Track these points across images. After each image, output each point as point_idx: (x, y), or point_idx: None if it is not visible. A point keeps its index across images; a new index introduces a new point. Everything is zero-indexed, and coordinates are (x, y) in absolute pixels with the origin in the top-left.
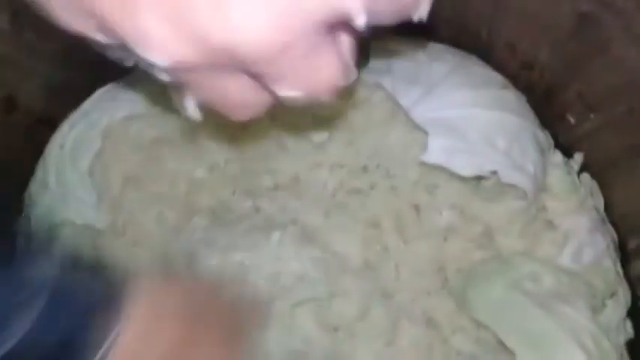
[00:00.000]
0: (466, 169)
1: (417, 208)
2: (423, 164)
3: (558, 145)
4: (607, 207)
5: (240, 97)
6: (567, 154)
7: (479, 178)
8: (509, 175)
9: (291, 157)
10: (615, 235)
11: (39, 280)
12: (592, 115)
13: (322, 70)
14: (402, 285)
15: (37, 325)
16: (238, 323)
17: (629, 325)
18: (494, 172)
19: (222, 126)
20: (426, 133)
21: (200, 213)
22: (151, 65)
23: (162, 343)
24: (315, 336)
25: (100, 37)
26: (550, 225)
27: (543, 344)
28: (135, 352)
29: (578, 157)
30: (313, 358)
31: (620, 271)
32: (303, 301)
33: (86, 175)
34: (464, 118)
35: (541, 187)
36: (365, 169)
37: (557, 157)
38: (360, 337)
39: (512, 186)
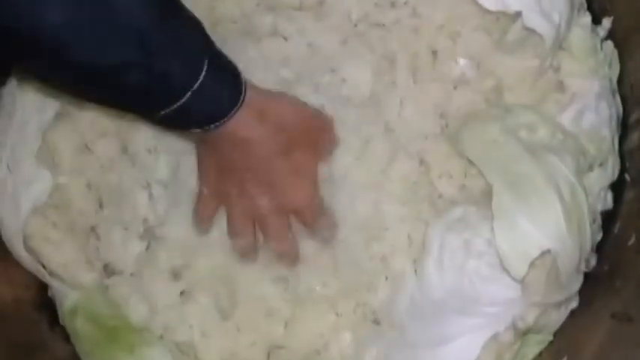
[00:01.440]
0: (491, 2)
1: (434, 53)
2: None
3: (590, 9)
4: (620, 78)
5: None
6: (597, 20)
7: (503, 33)
8: (533, 19)
9: None
10: (621, 110)
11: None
12: None
13: None
14: (402, 122)
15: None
16: (321, 138)
17: (609, 196)
18: (519, 14)
19: None
20: None
21: (222, 22)
22: None
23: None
24: None
25: None
26: (560, 86)
27: (522, 184)
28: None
29: (606, 23)
30: None
31: (616, 144)
32: None
33: None
34: None
35: (561, 43)
36: (393, 4)
37: (586, 18)
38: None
39: (534, 41)
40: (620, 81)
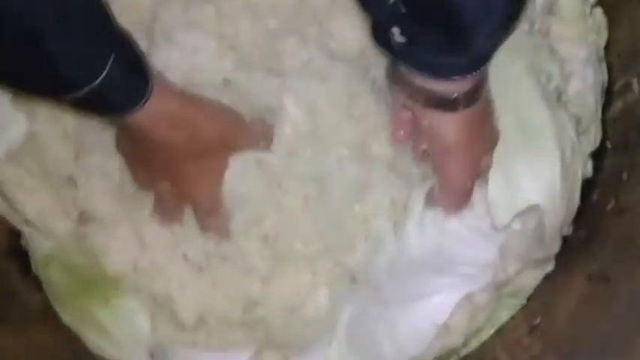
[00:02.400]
0: None
1: None
2: None
3: None
4: (607, 46)
5: None
6: None
7: None
8: None
9: None
10: (606, 78)
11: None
12: None
13: None
14: None
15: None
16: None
17: (590, 164)
18: None
19: None
20: None
21: None
22: None
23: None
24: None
25: None
26: (551, 51)
27: (531, 132)
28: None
29: None
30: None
31: (600, 111)
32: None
33: None
34: None
35: (551, 7)
36: None
37: None
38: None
39: None
40: (607, 49)
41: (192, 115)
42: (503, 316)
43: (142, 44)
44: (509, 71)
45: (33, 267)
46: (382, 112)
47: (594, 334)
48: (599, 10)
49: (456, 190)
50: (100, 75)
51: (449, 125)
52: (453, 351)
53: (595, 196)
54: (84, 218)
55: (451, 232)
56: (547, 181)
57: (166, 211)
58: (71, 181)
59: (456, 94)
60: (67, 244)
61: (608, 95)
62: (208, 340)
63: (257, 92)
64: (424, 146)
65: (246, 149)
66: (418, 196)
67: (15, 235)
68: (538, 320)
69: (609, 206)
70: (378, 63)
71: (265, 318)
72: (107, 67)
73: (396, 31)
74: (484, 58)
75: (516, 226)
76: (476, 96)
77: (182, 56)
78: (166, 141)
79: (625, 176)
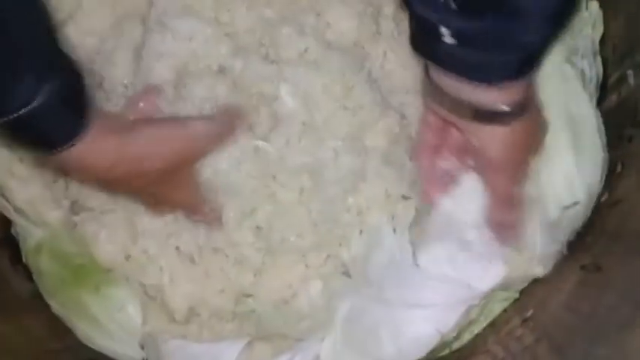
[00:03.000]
0: None
1: None
2: None
3: None
4: (602, 40)
5: None
6: None
7: None
8: None
9: None
10: (601, 72)
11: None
12: None
13: None
14: (385, 74)
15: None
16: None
17: None
18: None
19: None
20: None
21: None
22: None
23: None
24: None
25: None
26: (592, 42)
27: (579, 127)
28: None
29: None
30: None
31: (595, 105)
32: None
33: None
34: None
35: None
36: None
37: None
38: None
39: None
40: (602, 42)
41: (131, 150)
42: (497, 308)
43: (137, 32)
44: (551, 59)
45: (23, 256)
46: (377, 103)
47: (587, 324)
48: (595, 4)
49: (509, 206)
50: (28, 104)
51: (498, 140)
52: (445, 344)
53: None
54: (75, 207)
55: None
56: (592, 178)
57: (159, 212)
58: None
59: (505, 106)
60: (58, 233)
61: (603, 90)
62: (200, 333)
63: (253, 80)
64: (471, 162)
65: (211, 151)
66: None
67: (5, 223)
68: (531, 312)
69: (603, 198)
70: (373, 53)
71: (257, 310)
72: (38, 96)
73: (445, 32)
74: (535, 57)
75: (562, 221)
76: (526, 106)
77: (177, 43)
78: (110, 178)
79: (619, 168)
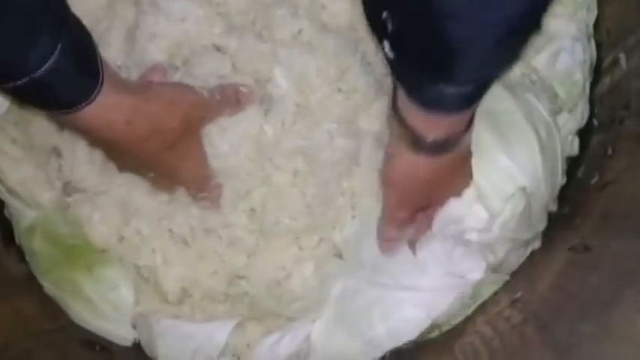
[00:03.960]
0: None
1: None
2: None
3: None
4: (596, 24)
5: None
6: None
7: None
8: None
9: None
10: (595, 55)
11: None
12: None
13: None
14: (378, 58)
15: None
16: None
17: (576, 142)
18: None
19: None
20: None
21: None
22: None
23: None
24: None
25: None
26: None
27: (502, 122)
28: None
29: None
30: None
31: (587, 89)
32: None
33: None
34: None
35: None
36: None
37: None
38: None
39: None
40: (595, 26)
41: (147, 107)
42: (487, 291)
43: (130, 13)
44: None
45: (16, 237)
46: (371, 86)
47: (573, 303)
48: None
49: (393, 228)
50: (43, 64)
51: (417, 167)
52: (435, 326)
53: (580, 173)
54: (68, 189)
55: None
56: (529, 162)
57: (162, 190)
58: (56, 151)
59: (433, 138)
60: (50, 214)
61: (596, 74)
62: (192, 313)
63: (249, 58)
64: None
65: (214, 120)
66: None
67: None
68: (520, 294)
69: (593, 181)
70: (367, 37)
71: (250, 292)
72: (53, 56)
73: (386, 44)
74: (472, 95)
75: (507, 210)
76: (452, 143)
77: (170, 24)
78: (126, 138)
79: (610, 151)
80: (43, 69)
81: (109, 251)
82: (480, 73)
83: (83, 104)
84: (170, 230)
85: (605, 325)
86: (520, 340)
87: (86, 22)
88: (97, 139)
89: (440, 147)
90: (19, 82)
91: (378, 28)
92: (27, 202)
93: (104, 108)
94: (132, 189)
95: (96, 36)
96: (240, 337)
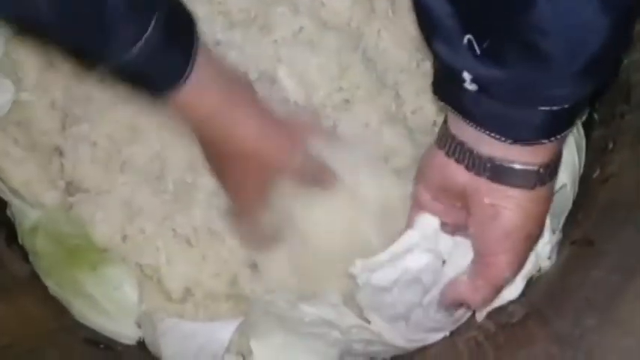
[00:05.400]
0: None
1: None
2: None
3: None
4: None
5: None
6: None
7: None
8: None
9: None
10: None
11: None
12: None
13: None
14: (380, 53)
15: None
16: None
17: (582, 134)
18: None
19: None
20: None
21: None
22: None
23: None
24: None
25: None
26: None
27: None
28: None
29: None
30: None
31: None
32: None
33: None
34: None
35: None
36: None
37: None
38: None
39: None
40: None
41: (224, 117)
42: None
43: None
44: None
45: (19, 237)
46: (372, 83)
47: (577, 296)
48: None
49: (499, 284)
50: (139, 40)
51: (515, 205)
52: None
53: (581, 168)
54: (71, 188)
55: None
56: (570, 158)
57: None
58: (58, 151)
59: (532, 167)
60: (54, 213)
61: None
62: (195, 312)
63: (249, 57)
64: (472, 229)
65: (287, 179)
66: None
67: (1, 204)
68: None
69: (595, 175)
70: (368, 33)
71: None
72: (148, 31)
73: (467, 77)
74: (563, 116)
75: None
76: (554, 170)
77: None
78: (199, 134)
79: (611, 145)
80: (136, 46)
81: (113, 250)
82: (571, 87)
83: (179, 83)
84: (174, 230)
85: (608, 317)
86: (524, 335)
87: None
88: (199, 125)
89: (546, 174)
90: (115, 62)
91: (451, 61)
92: (30, 202)
93: (191, 94)
94: (135, 188)
95: None
96: (244, 336)
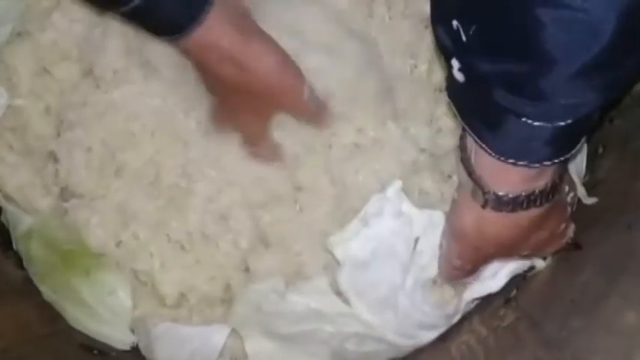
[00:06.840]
0: None
1: None
2: None
3: None
4: None
5: None
6: None
7: None
8: None
9: None
10: None
11: None
12: None
13: None
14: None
15: None
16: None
17: None
18: None
19: None
20: None
21: None
22: None
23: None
24: None
25: None
26: None
27: None
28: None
29: None
30: None
31: None
32: None
33: None
34: None
35: None
36: None
37: None
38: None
39: None
40: None
41: (239, 56)
42: None
43: None
44: None
45: (14, 243)
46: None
47: (564, 299)
48: None
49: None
50: None
51: (484, 222)
52: None
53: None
54: (65, 194)
55: None
56: (579, 162)
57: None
58: (52, 157)
59: (502, 193)
60: (48, 219)
61: None
62: (189, 316)
63: None
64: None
65: (288, 113)
66: None
67: None
68: (514, 292)
69: (584, 180)
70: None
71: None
72: None
73: (455, 64)
74: (568, 133)
75: None
76: (534, 200)
77: None
78: (212, 73)
79: (600, 150)
80: None
81: (107, 255)
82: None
83: (193, 26)
84: (168, 235)
85: (594, 319)
86: (513, 338)
87: (81, 28)
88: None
89: (508, 204)
90: (129, 6)
91: (446, 44)
92: (24, 208)
93: (199, 43)
94: (129, 193)
95: (91, 42)
96: (238, 340)
